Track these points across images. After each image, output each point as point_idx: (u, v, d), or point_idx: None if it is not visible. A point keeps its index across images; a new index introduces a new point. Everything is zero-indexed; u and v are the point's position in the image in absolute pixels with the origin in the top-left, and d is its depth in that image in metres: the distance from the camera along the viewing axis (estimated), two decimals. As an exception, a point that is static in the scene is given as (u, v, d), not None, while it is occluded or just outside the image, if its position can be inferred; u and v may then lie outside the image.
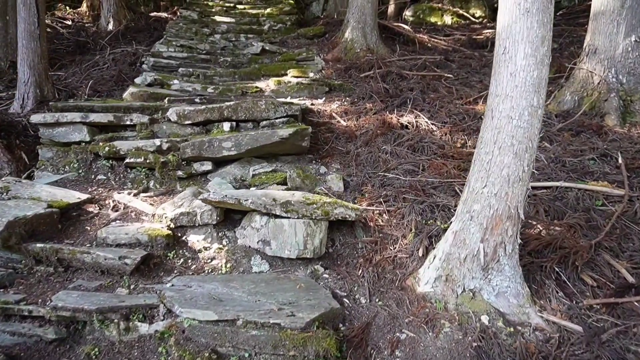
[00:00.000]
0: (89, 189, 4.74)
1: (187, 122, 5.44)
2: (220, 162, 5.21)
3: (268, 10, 12.71)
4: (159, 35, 11.41)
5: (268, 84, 8.05)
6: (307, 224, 3.82)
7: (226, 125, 5.40)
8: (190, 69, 8.71)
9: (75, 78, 9.07)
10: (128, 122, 5.46)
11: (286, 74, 8.40)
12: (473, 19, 13.40)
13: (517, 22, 3.09)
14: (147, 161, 4.93)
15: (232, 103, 5.43)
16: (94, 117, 5.37)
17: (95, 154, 5.15)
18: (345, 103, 6.99)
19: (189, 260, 3.91)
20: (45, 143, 5.48)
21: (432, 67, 8.34)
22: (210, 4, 13.02)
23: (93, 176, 5.00)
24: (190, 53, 9.60)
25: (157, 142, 5.10)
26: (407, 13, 14.03)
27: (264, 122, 5.44)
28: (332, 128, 6.20)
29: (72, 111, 5.51)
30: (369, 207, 4.45)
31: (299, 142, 5.17)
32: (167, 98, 6.94)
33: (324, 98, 7.35)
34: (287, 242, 3.82)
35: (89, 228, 4.07)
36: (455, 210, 4.03)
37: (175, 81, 8.15)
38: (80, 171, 5.06)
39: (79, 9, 14.12)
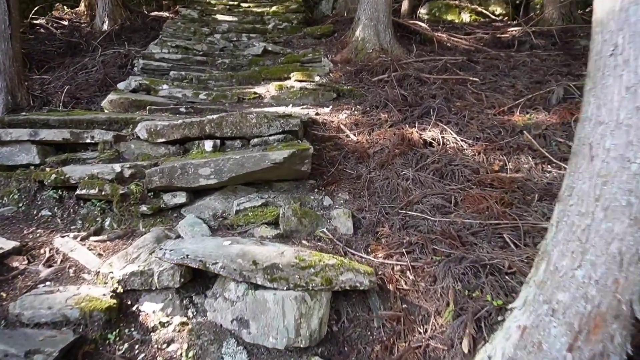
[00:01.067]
0: (25, 230, 3.52)
1: (160, 140, 4.19)
2: (198, 192, 3.98)
3: (274, 8, 11.44)
4: (155, 35, 10.19)
5: (268, 89, 6.79)
6: (300, 300, 2.56)
7: (208, 144, 4.16)
8: (183, 72, 7.48)
9: (58, 82, 7.89)
10: (88, 140, 4.23)
11: (289, 78, 7.14)
12: (493, 17, 11.99)
13: None
14: (103, 193, 3.69)
15: (215, 117, 4.16)
16: (46, 135, 4.16)
17: (40, 182, 3.92)
18: (356, 112, 5.70)
19: (137, 345, 2.67)
20: (-15, 166, 4.28)
21: (454, 69, 7.01)
22: (213, 2, 11.78)
23: (35, 211, 3.77)
24: (185, 54, 8.37)
25: (117, 167, 3.85)
26: (422, 11, 12.67)
27: (255, 140, 4.19)
28: (339, 144, 4.92)
29: (22, 126, 4.32)
30: (386, 261, 3.18)
31: (298, 167, 3.92)
32: (148, 107, 5.72)
33: (330, 106, 6.07)
34: (272, 325, 2.56)
35: (4, 295, 2.87)
36: (512, 279, 2.74)
37: (164, 86, 6.92)
38: (20, 205, 3.83)
39: (77, 9, 12.97)
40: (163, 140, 4.15)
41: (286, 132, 4.24)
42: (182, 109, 5.46)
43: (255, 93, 6.60)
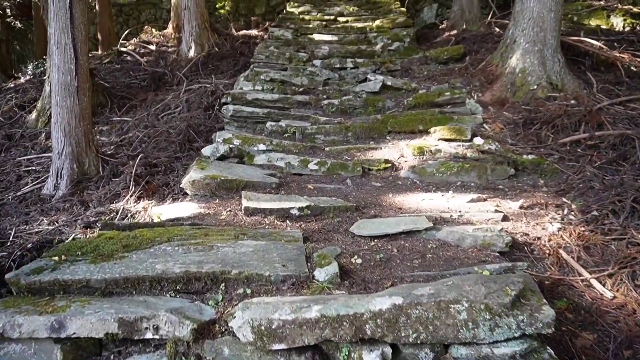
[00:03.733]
0: None
1: (277, 347, 1.97)
2: None
3: (377, 22, 8.98)
4: (245, 62, 8.12)
5: (402, 153, 4.44)
6: None
7: (370, 358, 1.93)
8: (283, 123, 5.29)
9: (135, 132, 6.03)
10: (149, 335, 2.12)
11: (427, 132, 4.73)
12: (655, 21, 8.74)
13: None
14: None
15: (385, 307, 1.85)
16: (78, 327, 2.08)
17: None
18: (572, 217, 3.18)
19: None
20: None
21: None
22: (307, 17, 9.54)
23: None
24: (282, 93, 6.18)
25: None
26: (552, 16, 9.58)
27: (463, 350, 1.91)
28: (581, 306, 2.48)
29: (42, 293, 2.30)
30: None
31: None
32: (244, 193, 3.59)
33: (517, 198, 3.59)
34: None
35: None
36: None
37: (261, 146, 4.77)
38: None
39: (164, 31, 11.28)
40: (283, 346, 1.94)
41: (526, 337, 1.89)
42: (295, 211, 3.22)
43: (386, 162, 4.26)
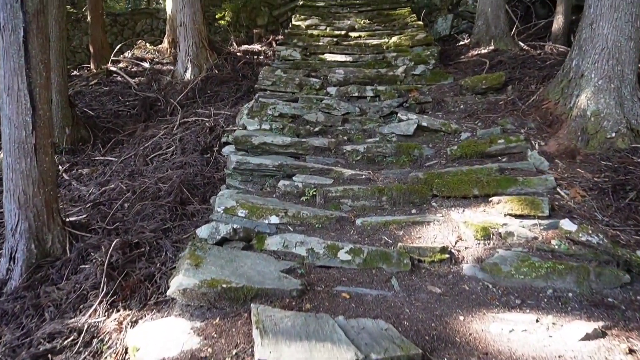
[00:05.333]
0: None
1: None
2: None
3: (393, 39, 7.75)
4: (248, 87, 6.91)
5: (460, 235, 3.25)
6: None
7: None
8: (299, 180, 4.10)
9: (119, 182, 4.82)
10: None
11: (486, 199, 3.53)
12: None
13: None
14: None
15: None
16: None
17: None
18: None
19: None
20: None
21: None
22: (315, 33, 8.30)
23: None
24: (294, 134, 4.96)
25: None
26: (584, 30, 8.37)
27: None
28: None
29: None
30: None
31: None
32: (255, 324, 2.42)
33: (636, 317, 2.44)
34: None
35: None
36: None
37: (273, 218, 3.57)
38: None
39: (160, 46, 10.03)
40: None
41: None
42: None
43: (442, 251, 3.07)
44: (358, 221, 3.56)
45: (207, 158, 5.06)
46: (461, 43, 8.48)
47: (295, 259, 3.18)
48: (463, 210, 3.54)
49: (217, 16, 12.22)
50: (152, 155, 5.43)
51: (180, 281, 2.74)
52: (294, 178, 4.21)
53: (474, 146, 4.20)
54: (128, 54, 10.01)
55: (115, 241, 3.35)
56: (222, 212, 3.65)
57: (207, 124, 5.72)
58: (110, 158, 5.70)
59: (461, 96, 5.50)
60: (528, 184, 3.60)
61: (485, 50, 7.19)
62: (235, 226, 3.32)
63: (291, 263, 3.12)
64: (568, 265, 2.75)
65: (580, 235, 2.90)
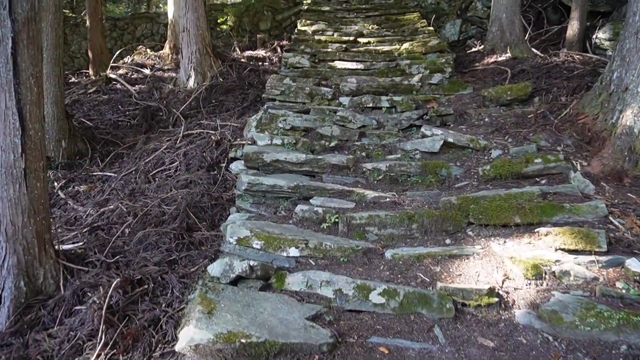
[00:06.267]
0: None
1: None
2: None
3: (405, 45, 7.34)
4: (255, 96, 6.48)
5: (506, 272, 2.81)
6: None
7: None
8: (317, 204, 3.65)
9: (119, 203, 4.37)
10: None
11: (529, 228, 3.10)
12: None
13: None
14: None
15: None
16: None
17: None
18: None
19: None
20: None
21: None
22: (323, 39, 7.87)
23: None
24: (309, 149, 4.52)
25: None
26: (601, 35, 8.00)
27: None
28: None
29: None
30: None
31: None
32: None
33: None
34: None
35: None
36: None
37: (293, 251, 3.14)
38: None
39: (161, 52, 9.58)
40: None
41: None
42: None
43: (489, 293, 2.65)
44: (388, 254, 3.12)
45: (214, 175, 4.62)
46: (474, 50, 8.07)
47: (321, 301, 2.75)
48: (504, 242, 3.12)
49: (219, 21, 11.78)
50: (155, 172, 4.98)
51: (191, 335, 2.30)
52: (311, 201, 3.77)
53: (509, 166, 3.77)
54: (128, 59, 9.56)
55: (115, 281, 2.90)
56: (234, 243, 3.21)
57: (212, 137, 5.27)
58: (109, 174, 5.25)
59: (484, 108, 5.09)
60: (576, 212, 3.18)
61: (502, 58, 6.78)
62: (252, 263, 2.88)
63: (317, 307, 2.69)
64: (631, 312, 2.33)
65: (630, 264, 2.48)
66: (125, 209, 4.19)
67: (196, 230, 3.73)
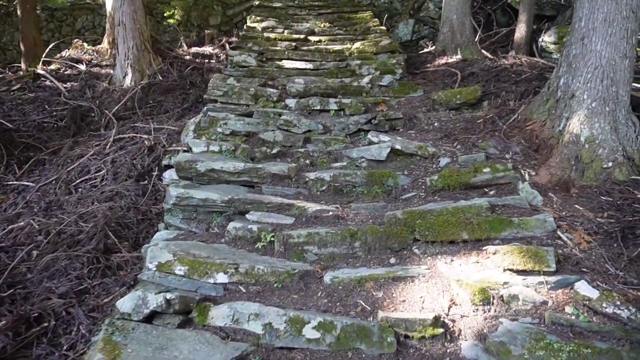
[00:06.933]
0: None
1: None
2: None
3: (356, 45, 7.05)
4: (197, 97, 5.99)
5: (453, 297, 2.54)
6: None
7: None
8: (253, 220, 3.27)
9: (30, 219, 3.80)
10: None
11: (477, 245, 2.87)
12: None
13: None
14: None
15: None
16: None
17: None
18: None
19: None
20: None
21: None
22: (272, 36, 7.43)
23: None
24: (249, 157, 4.11)
25: None
26: (547, 39, 8.08)
27: None
28: None
29: None
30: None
31: None
32: None
33: None
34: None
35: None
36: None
37: (220, 276, 2.73)
38: None
39: (99, 46, 8.80)
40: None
41: None
42: None
43: (434, 323, 2.38)
44: (327, 277, 2.80)
45: (143, 186, 4.13)
46: (425, 50, 7.91)
47: (249, 338, 2.38)
48: (452, 260, 2.87)
49: (165, 14, 11.07)
50: (78, 181, 4.42)
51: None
52: (247, 216, 3.39)
53: (457, 176, 3.54)
54: (66, 53, 8.73)
55: (1, 323, 2.40)
56: (154, 269, 2.78)
57: (146, 141, 4.76)
58: (26, 183, 4.63)
59: (434, 112, 4.87)
60: (525, 226, 2.98)
61: (453, 60, 6.64)
62: (169, 296, 2.47)
63: (243, 346, 2.32)
64: (595, 349, 2.12)
65: (605, 305, 2.30)
66: (37, 227, 3.64)
67: (116, 252, 3.26)
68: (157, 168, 4.39)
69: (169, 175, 4.20)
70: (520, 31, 7.91)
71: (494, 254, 2.76)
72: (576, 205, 3.21)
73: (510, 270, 2.66)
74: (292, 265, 2.89)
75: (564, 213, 3.15)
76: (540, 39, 8.28)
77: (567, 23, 8.30)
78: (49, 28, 11.38)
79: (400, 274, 2.78)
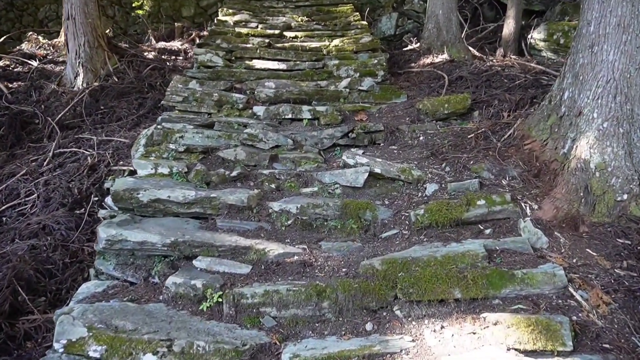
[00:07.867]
0: None
1: None
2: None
3: (335, 41, 6.33)
4: (156, 100, 5.23)
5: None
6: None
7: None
8: (201, 266, 2.63)
9: None
10: None
11: (471, 305, 2.28)
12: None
13: None
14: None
15: None
16: None
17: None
18: None
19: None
20: None
21: None
22: (244, 31, 6.66)
23: None
24: (204, 182, 3.43)
25: None
26: (536, 36, 7.45)
27: None
28: None
29: None
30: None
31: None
32: None
33: None
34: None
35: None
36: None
37: (149, 358, 2.12)
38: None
39: (55, 40, 7.89)
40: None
41: None
42: None
43: None
44: (286, 355, 2.16)
45: (78, 216, 3.41)
46: (410, 47, 7.24)
47: None
48: (442, 327, 2.26)
49: (134, 4, 10.11)
50: (4, 207, 3.67)
51: None
52: (195, 262, 2.72)
53: (447, 211, 2.91)
54: (19, 47, 7.81)
55: None
56: (62, 350, 2.10)
57: (89, 158, 4.02)
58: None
59: (419, 123, 4.23)
60: (530, 282, 2.38)
61: (439, 60, 5.98)
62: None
63: None
64: None
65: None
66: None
67: (28, 313, 2.55)
68: (98, 191, 3.66)
69: (111, 202, 3.48)
70: (509, 27, 7.28)
71: (495, 324, 2.15)
72: (588, 250, 2.62)
73: (517, 350, 2.05)
74: (243, 336, 2.24)
75: (574, 260, 2.56)
76: (529, 36, 7.64)
77: (557, 19, 7.71)
78: (8, 17, 10.34)
79: (378, 349, 2.15)
